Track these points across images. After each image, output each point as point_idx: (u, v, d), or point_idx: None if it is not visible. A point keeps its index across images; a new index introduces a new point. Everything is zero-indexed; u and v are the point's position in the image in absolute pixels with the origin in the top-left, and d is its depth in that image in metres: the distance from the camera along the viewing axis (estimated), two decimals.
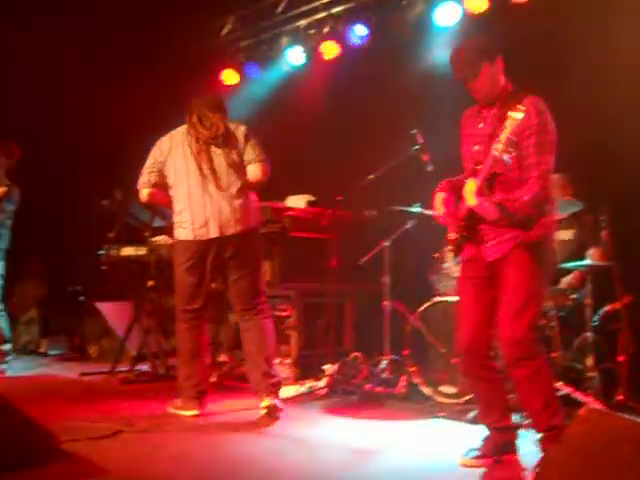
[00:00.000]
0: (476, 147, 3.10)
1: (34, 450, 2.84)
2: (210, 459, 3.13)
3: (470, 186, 2.93)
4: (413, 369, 4.55)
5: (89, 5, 6.73)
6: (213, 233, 4.05)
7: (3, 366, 5.39)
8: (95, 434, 3.37)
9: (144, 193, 4.21)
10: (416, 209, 4.77)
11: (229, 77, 7.52)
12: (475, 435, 3.21)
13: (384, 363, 4.76)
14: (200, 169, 4.09)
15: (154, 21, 7.17)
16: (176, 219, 4.16)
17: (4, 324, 5.48)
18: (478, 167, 2.98)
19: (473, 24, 5.68)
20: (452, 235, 3.16)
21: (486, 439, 3.12)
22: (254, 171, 4.16)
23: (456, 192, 3.17)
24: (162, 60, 7.30)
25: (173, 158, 4.15)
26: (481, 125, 3.10)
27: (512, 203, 2.91)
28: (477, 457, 3.06)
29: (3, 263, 5.52)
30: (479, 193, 2.91)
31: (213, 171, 4.10)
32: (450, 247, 3.23)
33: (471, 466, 3.03)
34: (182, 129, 4.22)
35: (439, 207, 3.17)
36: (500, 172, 2.96)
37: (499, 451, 3.08)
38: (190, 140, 4.12)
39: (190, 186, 4.10)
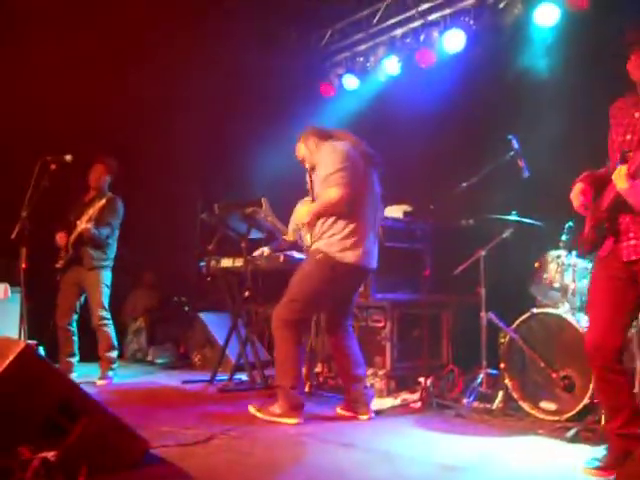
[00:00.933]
0: (628, 136, 2.96)
1: (125, 453, 2.94)
2: (295, 468, 3.12)
3: (621, 169, 2.81)
4: (511, 383, 4.37)
5: (182, 23, 6.98)
6: (371, 264, 4.21)
7: (110, 373, 5.65)
8: (187, 440, 3.46)
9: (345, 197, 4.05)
10: (513, 217, 4.61)
11: (327, 90, 7.60)
12: (575, 454, 3.04)
13: (481, 377, 4.61)
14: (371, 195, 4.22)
15: (255, 37, 7.38)
16: (346, 239, 4.07)
17: (112, 332, 5.74)
18: (630, 153, 2.85)
19: (574, 22, 5.44)
20: (587, 230, 3.06)
21: (609, 449, 2.98)
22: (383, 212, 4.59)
23: (597, 185, 3.06)
24: (263, 75, 7.48)
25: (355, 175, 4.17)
26: (637, 114, 2.96)
27: None
28: (598, 468, 2.92)
29: (110, 273, 5.79)
30: (632, 175, 2.77)
31: (373, 201, 4.25)
32: (584, 243, 3.12)
33: (593, 476, 2.91)
34: (349, 145, 4.21)
35: (577, 197, 3.06)
36: None
37: (621, 463, 2.89)
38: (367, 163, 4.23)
39: (364, 211, 4.16)
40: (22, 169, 5.11)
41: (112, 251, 5.81)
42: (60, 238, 5.70)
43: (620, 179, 2.80)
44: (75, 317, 5.77)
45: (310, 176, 4.38)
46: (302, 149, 4.42)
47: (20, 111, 6.18)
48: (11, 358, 2.86)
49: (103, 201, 5.60)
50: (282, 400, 4.07)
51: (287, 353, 4.07)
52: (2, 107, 6.03)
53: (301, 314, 4.14)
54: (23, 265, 4.95)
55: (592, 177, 3.14)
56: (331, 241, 4.08)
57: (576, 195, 3.09)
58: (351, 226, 4.08)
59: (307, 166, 4.41)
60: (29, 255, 4.98)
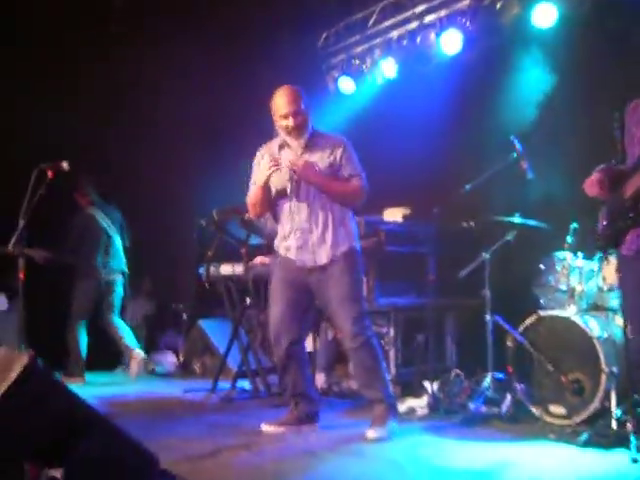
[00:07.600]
0: None
1: (134, 470, 2.87)
2: None
3: None
4: (519, 387, 4.32)
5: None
6: None
7: None
8: (194, 453, 3.40)
9: None
10: (517, 219, 4.57)
11: (324, 92, 7.53)
12: (588, 459, 2.97)
13: (487, 381, 4.55)
14: None
15: (250, 39, 7.33)
16: None
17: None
18: None
19: (571, 24, 5.41)
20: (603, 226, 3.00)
21: None
22: None
23: (614, 178, 3.00)
24: (259, 78, 7.43)
25: None
26: None
27: None
28: None
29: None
30: None
31: None
32: (600, 239, 3.06)
33: None
34: None
35: (592, 186, 3.00)
36: None
37: None
38: None
39: None
40: (19, 178, 5.04)
41: None
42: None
43: None
44: None
45: None
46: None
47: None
48: (16, 372, 2.79)
49: None
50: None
51: None
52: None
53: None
54: (21, 275, 4.87)
55: (609, 170, 3.07)
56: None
57: (592, 184, 3.01)
58: None
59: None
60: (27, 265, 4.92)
